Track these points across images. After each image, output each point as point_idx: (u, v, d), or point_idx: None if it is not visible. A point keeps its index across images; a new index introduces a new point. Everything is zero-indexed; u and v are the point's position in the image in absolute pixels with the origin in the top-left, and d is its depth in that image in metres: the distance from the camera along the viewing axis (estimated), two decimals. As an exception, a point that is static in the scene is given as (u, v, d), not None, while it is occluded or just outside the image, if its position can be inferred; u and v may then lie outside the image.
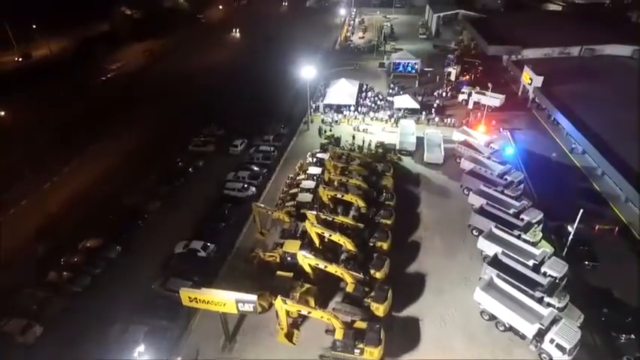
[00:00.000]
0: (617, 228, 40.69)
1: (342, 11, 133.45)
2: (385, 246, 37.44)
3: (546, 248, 35.82)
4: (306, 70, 60.68)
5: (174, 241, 40.61)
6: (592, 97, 61.83)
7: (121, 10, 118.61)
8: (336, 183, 46.31)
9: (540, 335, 28.29)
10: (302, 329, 31.86)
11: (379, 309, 31.32)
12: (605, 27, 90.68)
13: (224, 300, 28.09)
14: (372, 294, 32.19)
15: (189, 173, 52.53)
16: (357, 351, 28.39)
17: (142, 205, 45.84)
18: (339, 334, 28.75)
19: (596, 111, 57.46)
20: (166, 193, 48.34)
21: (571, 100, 61.20)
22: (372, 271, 34.59)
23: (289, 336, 30.75)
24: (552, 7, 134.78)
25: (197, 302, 28.75)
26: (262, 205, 41.38)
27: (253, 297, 28.01)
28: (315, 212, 39.56)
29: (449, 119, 63.43)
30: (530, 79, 68.28)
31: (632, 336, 29.63)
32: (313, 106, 67.43)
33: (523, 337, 29.81)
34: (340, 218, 39.80)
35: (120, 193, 47.47)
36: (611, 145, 49.60)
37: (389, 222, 40.33)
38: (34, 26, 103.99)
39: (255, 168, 52.41)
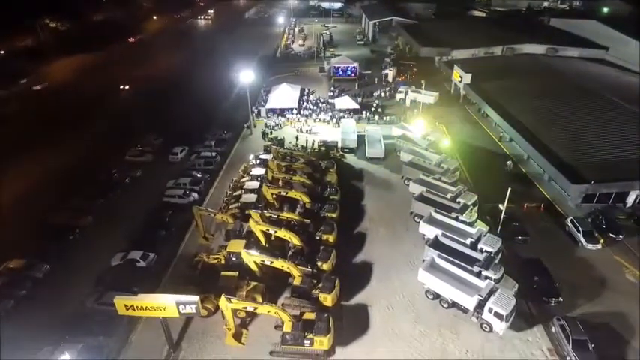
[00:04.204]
0: (542, 205, 44.01)
1: (281, 21, 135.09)
2: (331, 238, 37.59)
3: (482, 227, 37.82)
4: (245, 75, 60.36)
5: (110, 255, 38.10)
6: (514, 90, 66.87)
7: (45, 22, 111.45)
8: (280, 182, 46.06)
9: (480, 306, 29.58)
10: (251, 328, 30.99)
11: (327, 299, 31.29)
12: (522, 29, 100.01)
13: (163, 304, 26.60)
14: (320, 285, 32.12)
15: (125, 184, 49.89)
16: (306, 342, 28.02)
17: (71, 220, 42.66)
18: (287, 327, 28.23)
19: (518, 102, 62.15)
20: (100, 206, 45.47)
21: (497, 94, 65.81)
22: (319, 263, 34.55)
23: (238, 336, 29.70)
24: (477, 13, 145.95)
25: (135, 309, 26.95)
26: (204, 208, 40.12)
27: (194, 297, 26.78)
28: (259, 211, 38.98)
29: (388, 117, 65.66)
30: (460, 77, 72.66)
31: (560, 299, 31.95)
32: (255, 111, 67.07)
33: (465, 310, 31.03)
34: (285, 215, 39.54)
35: (44, 210, 43.90)
36: (534, 132, 53.75)
37: (334, 215, 40.69)
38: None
39: (198, 174, 50.81)
